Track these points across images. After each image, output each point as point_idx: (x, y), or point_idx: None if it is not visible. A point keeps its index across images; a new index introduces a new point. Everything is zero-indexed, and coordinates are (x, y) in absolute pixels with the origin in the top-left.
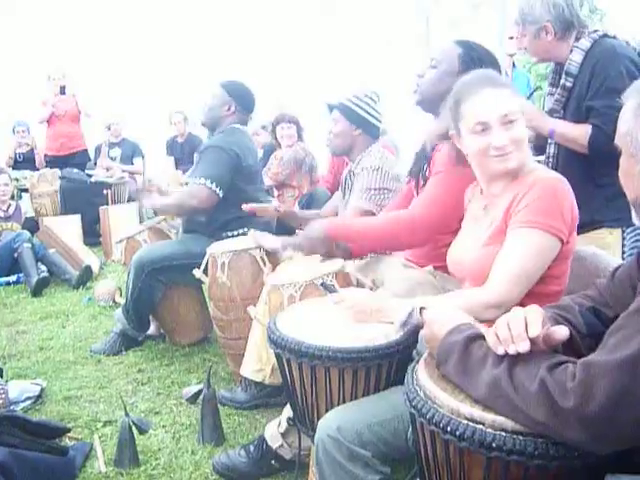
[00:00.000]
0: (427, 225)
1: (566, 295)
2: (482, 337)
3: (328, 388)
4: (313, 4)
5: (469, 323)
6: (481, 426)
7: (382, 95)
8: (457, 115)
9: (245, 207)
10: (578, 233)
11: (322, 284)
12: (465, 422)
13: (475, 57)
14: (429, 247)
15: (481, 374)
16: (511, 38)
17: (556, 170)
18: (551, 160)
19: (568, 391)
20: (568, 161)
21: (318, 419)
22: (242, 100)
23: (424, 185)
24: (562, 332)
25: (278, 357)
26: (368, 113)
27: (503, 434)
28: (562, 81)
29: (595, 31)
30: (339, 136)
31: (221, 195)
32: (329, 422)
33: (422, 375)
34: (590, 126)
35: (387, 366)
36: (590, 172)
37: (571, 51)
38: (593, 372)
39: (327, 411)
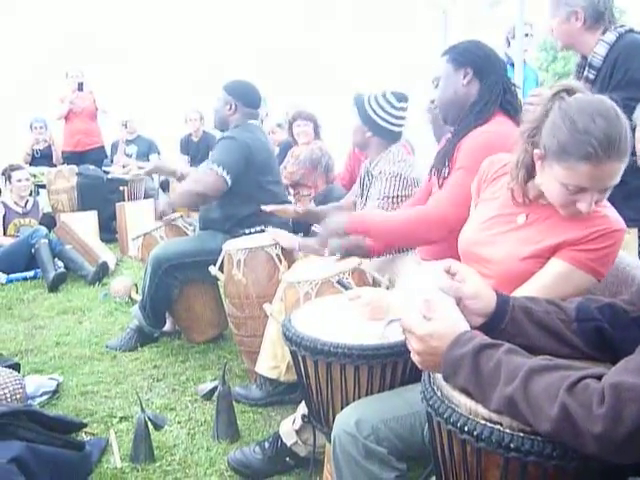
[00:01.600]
0: (442, 223)
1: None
2: (487, 346)
3: (344, 385)
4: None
5: (469, 331)
6: (499, 426)
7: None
8: (559, 152)
9: (265, 208)
10: None
11: (338, 281)
12: (483, 422)
13: (466, 50)
14: (445, 245)
15: (494, 392)
16: (526, 35)
17: None
18: None
19: (596, 417)
20: None
21: (333, 416)
22: (243, 97)
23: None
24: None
25: (294, 354)
26: (379, 116)
27: (521, 435)
28: (585, 73)
29: (622, 26)
30: (354, 132)
31: (229, 182)
32: (346, 418)
33: (439, 374)
34: None
35: (403, 363)
36: None
37: (596, 44)
38: (624, 396)
39: (342, 409)
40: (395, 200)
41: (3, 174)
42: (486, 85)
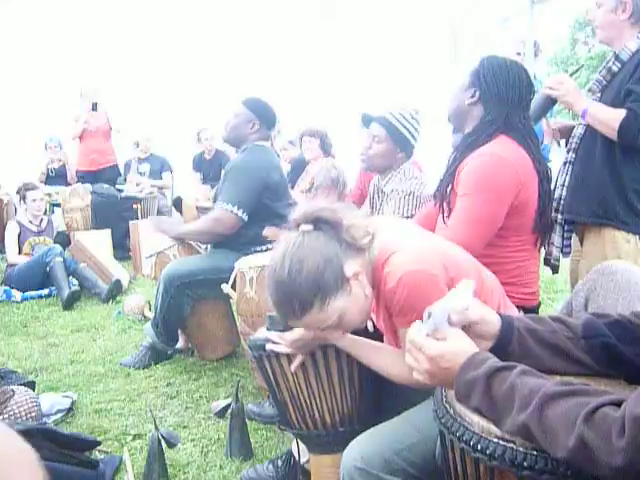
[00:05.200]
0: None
1: (595, 309)
2: (500, 369)
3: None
4: (338, 16)
5: (481, 352)
6: (512, 445)
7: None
8: None
9: (266, 233)
10: (590, 223)
11: None
12: (496, 440)
13: (481, 73)
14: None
15: (508, 417)
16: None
17: (577, 153)
18: (575, 141)
19: (616, 449)
20: (591, 147)
21: (302, 414)
22: (265, 117)
23: (449, 206)
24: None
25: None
26: (410, 134)
27: (534, 453)
28: (609, 64)
29: None
30: (382, 156)
31: (246, 219)
32: (353, 453)
33: (451, 393)
34: (625, 110)
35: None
36: (608, 163)
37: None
38: None
39: (308, 405)
40: (410, 219)
41: (18, 193)
42: (487, 114)
